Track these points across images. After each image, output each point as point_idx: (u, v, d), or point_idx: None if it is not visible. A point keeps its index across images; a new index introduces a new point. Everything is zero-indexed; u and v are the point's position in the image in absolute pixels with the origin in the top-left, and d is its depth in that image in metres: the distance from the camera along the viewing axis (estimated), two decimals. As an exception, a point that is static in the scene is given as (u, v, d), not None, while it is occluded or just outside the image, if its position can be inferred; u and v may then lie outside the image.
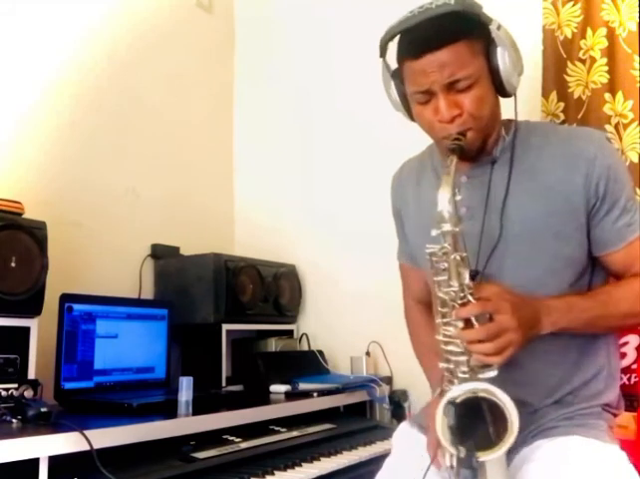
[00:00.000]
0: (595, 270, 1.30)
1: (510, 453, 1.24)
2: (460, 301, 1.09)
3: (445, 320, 1.11)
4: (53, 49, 2.06)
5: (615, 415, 1.30)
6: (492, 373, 1.08)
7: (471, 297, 1.08)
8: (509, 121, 1.32)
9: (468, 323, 1.08)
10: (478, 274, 1.23)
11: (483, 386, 1.06)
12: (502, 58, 1.18)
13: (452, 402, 1.04)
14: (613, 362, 1.32)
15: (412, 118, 1.29)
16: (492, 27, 1.18)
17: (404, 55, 1.21)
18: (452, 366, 1.11)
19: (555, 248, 1.24)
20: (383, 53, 1.26)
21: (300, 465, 1.61)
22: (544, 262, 1.24)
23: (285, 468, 1.56)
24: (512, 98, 1.26)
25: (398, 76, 1.26)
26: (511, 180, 1.25)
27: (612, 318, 1.24)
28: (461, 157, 1.19)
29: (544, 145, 1.28)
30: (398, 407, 2.17)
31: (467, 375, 1.09)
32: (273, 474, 1.53)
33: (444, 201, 1.08)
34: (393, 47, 1.24)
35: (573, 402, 1.25)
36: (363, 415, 2.19)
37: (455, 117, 1.18)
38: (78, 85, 2.13)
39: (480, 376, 1.08)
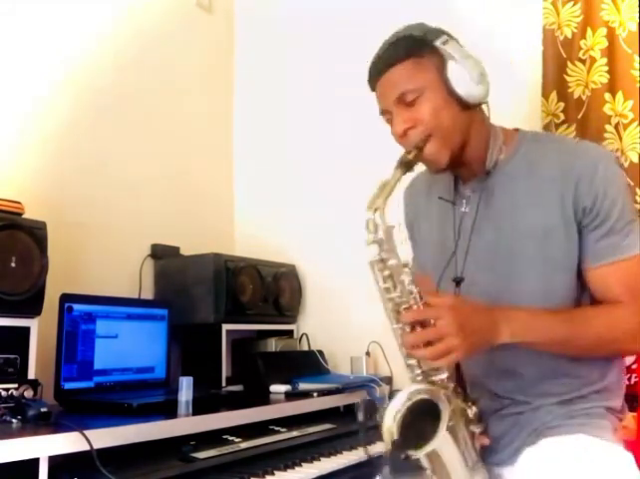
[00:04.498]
0: (583, 296, 1.28)
1: (517, 453, 1.25)
2: (404, 308, 1.14)
3: (397, 326, 1.15)
4: (53, 49, 2.06)
5: (620, 419, 1.30)
6: (443, 375, 1.13)
7: (414, 304, 1.13)
8: (515, 131, 1.35)
9: (413, 329, 1.12)
10: (461, 281, 1.30)
11: (417, 388, 1.10)
12: (451, 69, 1.22)
13: (395, 415, 1.09)
14: (617, 366, 1.31)
15: None
16: (437, 43, 1.24)
17: (371, 85, 1.32)
18: (409, 372, 1.16)
19: (547, 257, 1.24)
20: (373, 89, 1.33)
21: (300, 465, 1.61)
22: (539, 274, 1.25)
23: (285, 468, 1.56)
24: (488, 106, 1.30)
25: None
26: (505, 193, 1.29)
27: (583, 340, 1.20)
28: (432, 169, 1.29)
29: (544, 160, 1.28)
30: (398, 407, 2.16)
31: (420, 377, 1.14)
32: (273, 474, 1.52)
33: (369, 214, 1.16)
34: None
35: (575, 403, 1.26)
36: (355, 417, 2.19)
37: (407, 130, 1.25)
38: (78, 85, 2.13)
39: (433, 378, 1.13)
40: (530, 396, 1.27)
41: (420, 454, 1.09)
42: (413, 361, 1.15)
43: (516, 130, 1.35)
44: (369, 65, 1.31)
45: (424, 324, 1.12)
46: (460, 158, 1.29)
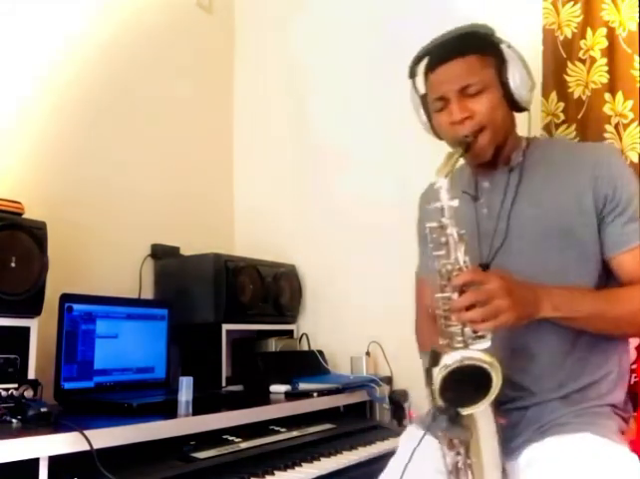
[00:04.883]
0: (611, 278, 1.33)
1: (521, 448, 1.25)
2: (455, 274, 1.16)
3: (443, 295, 1.17)
4: (53, 49, 2.06)
5: (624, 419, 1.31)
6: (486, 344, 1.13)
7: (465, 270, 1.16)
8: (533, 138, 1.46)
9: (462, 294, 1.14)
10: (487, 267, 1.34)
11: (467, 353, 1.11)
12: (512, 73, 1.32)
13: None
14: (623, 365, 1.34)
15: (439, 136, 1.42)
16: (503, 46, 1.34)
17: (426, 71, 1.39)
18: (449, 341, 1.16)
19: (571, 245, 1.30)
20: (412, 75, 1.43)
21: (300, 465, 1.61)
22: (555, 259, 1.30)
23: (285, 468, 1.56)
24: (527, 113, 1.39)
25: (425, 98, 1.41)
26: (524, 185, 1.36)
27: (615, 316, 1.25)
28: (476, 159, 1.36)
29: (559, 154, 1.39)
30: (398, 407, 2.16)
31: (460, 345, 1.14)
32: (273, 474, 1.53)
33: (441, 179, 1.18)
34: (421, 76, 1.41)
35: (581, 400, 1.27)
36: (363, 415, 2.19)
37: (465, 119, 1.31)
38: (78, 85, 2.13)
39: (473, 347, 1.13)
40: (533, 387, 1.28)
41: (470, 411, 1.10)
42: (456, 329, 1.15)
43: (534, 137, 1.47)
44: (423, 51, 1.38)
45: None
46: (495, 155, 1.37)
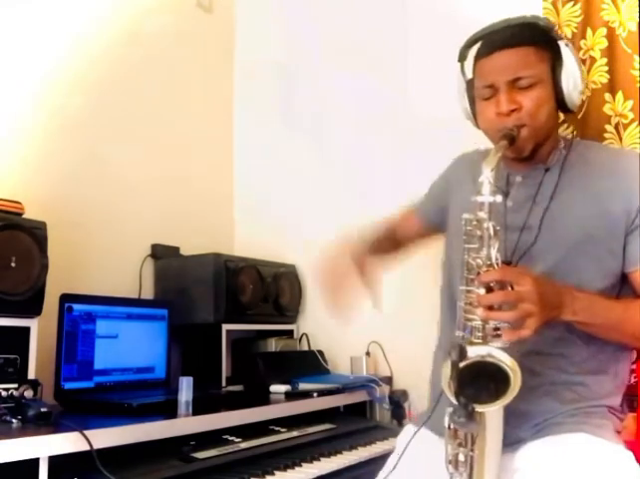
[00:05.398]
0: (624, 289, 1.32)
1: (516, 444, 1.25)
2: (485, 269, 1.14)
3: (468, 288, 1.16)
4: (53, 48, 2.06)
5: (620, 419, 1.31)
6: (504, 343, 1.12)
7: (496, 267, 1.14)
8: (571, 138, 1.46)
9: (488, 291, 1.13)
10: (510, 264, 1.29)
11: (490, 350, 1.10)
12: (566, 72, 1.29)
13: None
14: (620, 366, 1.33)
15: (478, 124, 1.39)
16: (562, 43, 1.30)
17: (478, 55, 1.34)
18: (467, 334, 1.15)
19: (591, 255, 1.28)
20: (461, 58, 1.40)
21: (300, 465, 1.61)
22: (578, 266, 1.28)
23: (285, 468, 1.56)
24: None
25: (471, 83, 1.38)
26: (562, 188, 1.34)
27: (631, 325, 1.25)
28: (515, 153, 1.31)
29: (596, 160, 1.36)
30: (398, 407, 2.16)
31: (480, 341, 1.13)
32: (273, 474, 1.53)
33: (486, 172, 1.15)
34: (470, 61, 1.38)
35: (578, 400, 1.26)
36: (363, 415, 2.19)
37: (512, 111, 1.28)
38: (78, 85, 2.13)
39: (492, 344, 1.12)
40: (535, 379, 1.27)
41: (483, 409, 1.09)
42: (476, 323, 1.14)
43: (573, 137, 1.49)
44: (479, 35, 1.34)
45: (502, 288, 1.13)
46: (533, 151, 1.34)
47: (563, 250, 1.30)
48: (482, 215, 1.15)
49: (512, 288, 1.12)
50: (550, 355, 1.28)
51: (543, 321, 1.13)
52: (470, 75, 1.39)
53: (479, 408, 1.07)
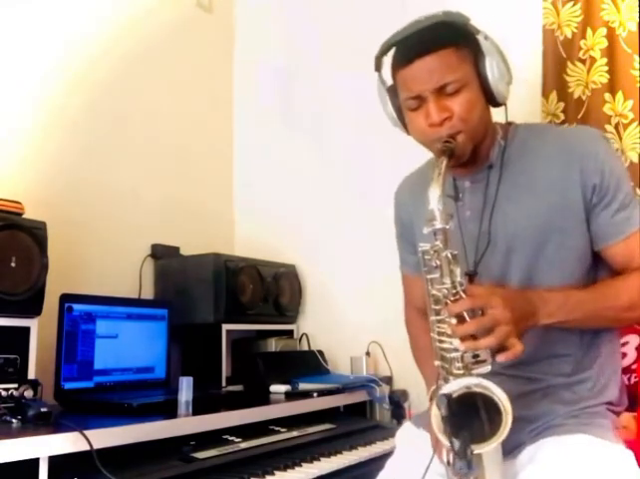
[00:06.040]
0: (600, 266, 1.30)
1: (516, 450, 1.24)
2: (452, 298, 1.11)
3: (438, 318, 1.13)
4: (53, 48, 2.06)
5: (618, 413, 1.30)
6: (486, 369, 1.10)
7: (463, 294, 1.11)
8: (508, 124, 1.36)
9: (460, 320, 1.10)
10: (475, 275, 1.28)
11: (477, 381, 1.08)
12: (490, 66, 1.22)
13: (446, 396, 1.05)
14: (615, 358, 1.32)
15: (408, 131, 1.33)
16: (480, 37, 1.23)
17: (396, 65, 1.27)
18: (446, 364, 1.12)
19: (559, 241, 1.26)
20: (378, 67, 1.32)
21: (300, 465, 1.61)
22: (549, 256, 1.26)
23: (285, 468, 1.56)
24: (503, 107, 1.31)
25: (393, 90, 1.31)
26: (505, 182, 1.30)
27: (612, 310, 1.24)
28: (455, 161, 1.24)
29: (541, 145, 1.31)
30: (398, 407, 2.16)
31: (461, 371, 1.11)
32: (273, 474, 1.52)
33: (434, 199, 1.12)
34: (388, 63, 1.30)
35: (578, 401, 1.25)
36: (363, 415, 2.19)
37: (444, 120, 1.22)
38: (78, 85, 2.13)
39: (475, 372, 1.10)
40: (533, 383, 1.27)
41: (482, 450, 1.06)
42: (455, 354, 1.11)
43: (509, 123, 1.37)
44: (392, 43, 1.26)
45: (473, 315, 1.10)
46: (473, 152, 1.30)
47: (519, 251, 1.27)
48: (438, 243, 1.12)
49: (483, 312, 1.09)
50: (544, 360, 1.27)
51: (521, 333, 1.11)
52: (389, 82, 1.32)
53: (477, 449, 1.05)
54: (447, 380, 1.12)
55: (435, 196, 1.12)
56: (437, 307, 1.13)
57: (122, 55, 2.29)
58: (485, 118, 1.29)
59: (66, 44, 2.10)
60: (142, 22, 2.38)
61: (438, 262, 1.12)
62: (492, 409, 1.07)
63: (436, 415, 1.07)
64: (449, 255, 1.12)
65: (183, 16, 2.59)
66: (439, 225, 1.11)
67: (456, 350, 1.10)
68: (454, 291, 1.11)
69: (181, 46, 2.55)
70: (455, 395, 1.06)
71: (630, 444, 1.24)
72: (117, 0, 2.30)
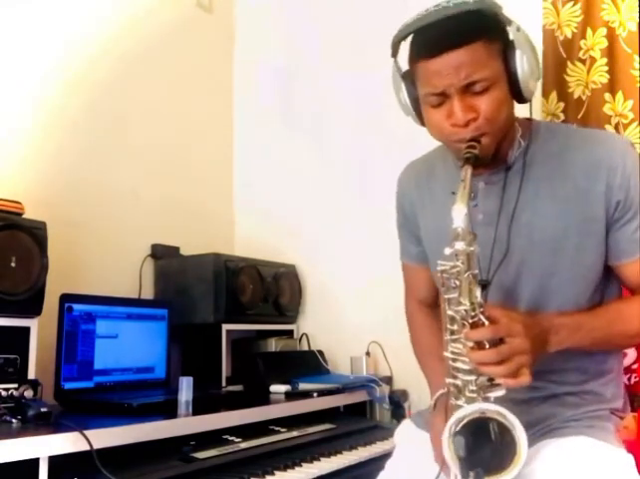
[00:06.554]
0: (609, 283, 1.27)
1: None
2: (470, 321, 1.06)
3: (453, 337, 1.08)
4: (53, 48, 2.06)
5: (622, 418, 1.30)
6: (501, 392, 1.06)
7: (482, 317, 1.05)
8: (528, 121, 1.28)
9: (478, 344, 1.05)
10: (488, 285, 1.20)
11: (493, 408, 1.04)
12: (521, 61, 1.13)
13: (458, 432, 1.02)
14: (621, 366, 1.32)
15: (422, 122, 1.24)
16: (511, 28, 1.14)
17: (417, 55, 1.15)
18: (459, 383, 1.08)
19: (574, 258, 1.21)
20: (394, 53, 1.19)
21: (300, 465, 1.61)
22: (562, 272, 1.21)
23: (285, 468, 1.56)
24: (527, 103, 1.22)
25: (409, 77, 1.21)
26: (527, 188, 1.22)
27: (621, 337, 1.22)
28: (475, 165, 1.14)
29: (564, 150, 1.23)
30: (398, 407, 2.16)
31: (474, 394, 1.07)
32: (273, 474, 1.52)
33: (459, 217, 1.04)
34: (404, 47, 1.19)
35: (581, 405, 1.24)
36: (363, 415, 2.19)
37: (469, 121, 1.13)
38: (78, 85, 2.13)
39: (489, 395, 1.06)
40: (539, 387, 1.24)
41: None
42: (469, 377, 1.07)
43: (529, 119, 1.28)
44: (416, 25, 1.12)
45: (493, 343, 1.05)
46: (495, 153, 1.22)
47: (536, 264, 1.21)
48: (460, 264, 1.05)
49: (502, 340, 1.05)
50: (552, 371, 1.24)
51: (534, 364, 1.08)
52: (404, 68, 1.21)
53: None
54: (458, 399, 1.08)
55: (460, 213, 1.04)
56: (452, 327, 1.08)
57: (122, 55, 2.29)
58: (511, 117, 1.21)
59: (66, 44, 2.10)
60: (141, 22, 2.38)
61: (457, 283, 1.06)
62: (505, 436, 1.03)
63: (449, 448, 1.03)
64: (470, 277, 1.06)
65: (183, 16, 2.58)
66: (462, 246, 1.05)
67: (470, 372, 1.06)
68: (472, 314, 1.05)
69: (181, 46, 2.55)
70: (466, 420, 1.03)
71: (630, 444, 1.24)
72: (117, 0, 2.30)
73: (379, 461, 1.37)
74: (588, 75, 1.97)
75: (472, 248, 1.05)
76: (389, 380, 2.28)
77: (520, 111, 1.27)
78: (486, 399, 1.06)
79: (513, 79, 1.14)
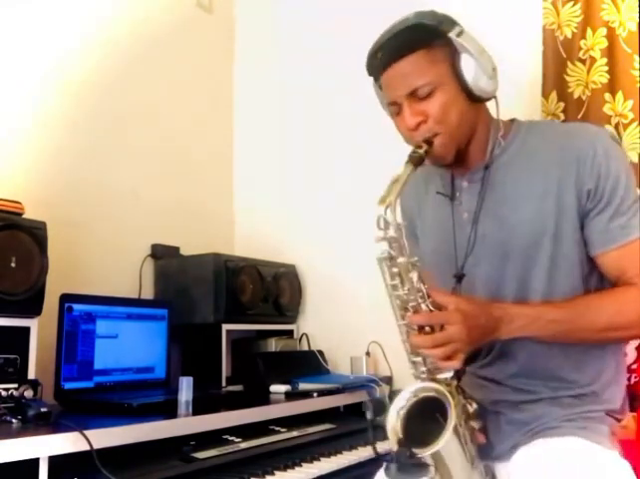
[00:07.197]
0: (600, 276, 1.27)
1: (511, 451, 1.24)
2: (412, 306, 1.14)
3: (403, 322, 1.16)
4: (53, 48, 2.06)
5: (619, 420, 1.29)
6: (449, 374, 1.14)
7: (422, 303, 1.13)
8: (511, 122, 1.34)
9: (422, 328, 1.13)
10: (462, 277, 1.29)
11: (423, 385, 1.12)
12: (465, 64, 1.21)
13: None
14: (620, 370, 1.30)
15: None
16: (452, 34, 1.21)
17: (377, 73, 1.28)
18: (413, 367, 1.18)
19: (552, 249, 1.23)
20: (369, 73, 1.31)
21: (300, 465, 1.61)
22: (542, 263, 1.23)
23: (285, 468, 1.56)
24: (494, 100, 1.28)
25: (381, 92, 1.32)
26: (506, 184, 1.27)
27: (587, 331, 1.20)
28: (438, 163, 1.27)
29: (541, 145, 1.28)
30: (398, 407, 2.16)
31: (424, 375, 1.16)
32: (273, 474, 1.52)
33: (382, 207, 1.16)
34: None
35: (576, 405, 1.24)
36: (363, 415, 2.19)
37: (419, 124, 1.23)
38: (78, 85, 2.13)
39: (438, 376, 1.15)
40: (527, 387, 1.26)
41: (425, 453, 1.10)
42: (418, 359, 1.16)
43: (512, 120, 1.34)
44: (373, 50, 1.26)
45: (432, 328, 1.13)
46: (463, 152, 1.28)
47: (521, 255, 1.24)
48: (392, 252, 1.13)
49: (442, 326, 1.11)
50: (548, 373, 1.26)
51: (472, 348, 1.15)
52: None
53: (421, 452, 1.08)
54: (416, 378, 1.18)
55: (383, 205, 1.16)
56: (401, 312, 1.16)
57: (122, 55, 2.29)
58: (468, 116, 1.26)
59: (66, 44, 2.10)
60: (142, 22, 2.38)
61: (396, 270, 1.14)
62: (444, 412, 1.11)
63: (392, 426, 1.09)
64: (405, 263, 1.13)
65: (184, 16, 2.59)
66: (391, 232, 1.13)
67: (417, 355, 1.15)
68: (412, 298, 1.13)
69: (181, 46, 2.55)
70: (405, 409, 1.09)
71: (630, 444, 1.24)
72: (117, 1, 2.30)
73: (378, 461, 1.37)
74: (588, 75, 1.97)
75: (396, 235, 1.13)
76: (389, 380, 2.28)
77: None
78: (435, 381, 1.14)
79: (461, 80, 1.22)
